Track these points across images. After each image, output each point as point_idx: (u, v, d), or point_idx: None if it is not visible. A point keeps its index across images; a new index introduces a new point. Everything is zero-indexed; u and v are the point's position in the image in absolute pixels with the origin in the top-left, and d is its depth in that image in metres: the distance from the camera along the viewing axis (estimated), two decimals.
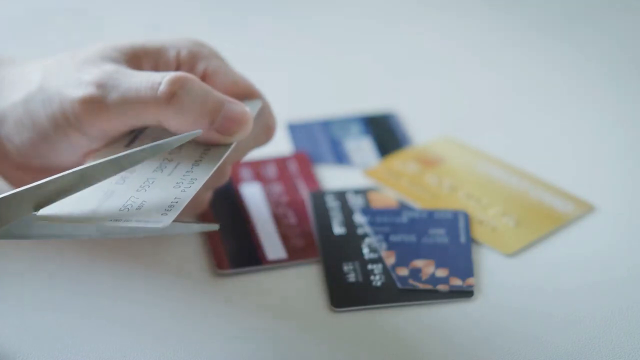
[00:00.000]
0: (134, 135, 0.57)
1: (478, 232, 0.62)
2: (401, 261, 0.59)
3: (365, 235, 0.61)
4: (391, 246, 0.60)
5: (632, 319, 0.55)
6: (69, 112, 0.55)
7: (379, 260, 0.59)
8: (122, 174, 0.53)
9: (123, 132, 0.56)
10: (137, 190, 0.52)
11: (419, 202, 0.64)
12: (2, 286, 0.58)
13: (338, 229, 0.62)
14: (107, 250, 0.60)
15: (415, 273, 0.58)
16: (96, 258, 0.59)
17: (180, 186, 0.52)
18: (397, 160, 0.69)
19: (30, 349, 0.53)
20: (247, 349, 0.54)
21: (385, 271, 0.58)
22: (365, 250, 0.60)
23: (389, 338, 0.54)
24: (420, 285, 0.57)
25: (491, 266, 0.59)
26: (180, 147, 0.55)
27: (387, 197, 0.65)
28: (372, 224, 0.62)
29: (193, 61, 0.57)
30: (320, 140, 0.71)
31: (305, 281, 0.58)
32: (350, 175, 0.68)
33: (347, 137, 0.72)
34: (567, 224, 0.63)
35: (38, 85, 0.56)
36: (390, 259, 0.59)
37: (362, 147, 0.71)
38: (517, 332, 0.55)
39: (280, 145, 0.69)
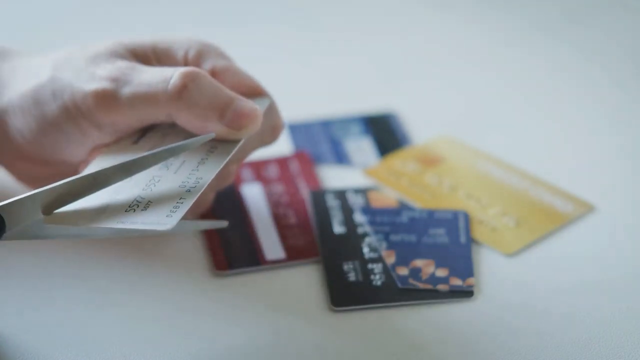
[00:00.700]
0: (142, 132, 0.57)
1: (478, 232, 0.62)
2: (401, 261, 0.59)
3: (365, 235, 0.61)
4: (391, 246, 0.60)
5: (632, 319, 0.55)
6: (80, 104, 0.56)
7: (379, 259, 0.59)
8: None
9: (134, 127, 0.57)
10: (143, 189, 0.52)
11: (419, 202, 0.64)
12: (2, 286, 0.57)
13: (338, 228, 0.61)
14: (105, 251, 0.60)
15: (416, 273, 0.58)
16: (94, 259, 0.59)
17: (186, 185, 0.52)
18: (397, 160, 0.69)
19: (31, 349, 0.53)
20: (247, 349, 0.54)
21: (386, 271, 0.58)
22: (366, 250, 0.60)
23: (389, 337, 0.54)
24: (420, 285, 0.57)
25: (491, 266, 0.59)
26: None
27: (387, 196, 0.65)
28: (372, 223, 0.62)
29: (201, 60, 0.57)
30: (320, 140, 0.71)
31: (305, 281, 0.58)
32: (350, 175, 0.68)
33: (347, 137, 0.72)
34: (567, 224, 0.63)
35: (48, 77, 0.57)
36: (390, 259, 0.59)
37: (362, 147, 0.71)
38: (517, 331, 0.55)
39: (280, 145, 0.69)
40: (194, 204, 0.52)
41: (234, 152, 0.54)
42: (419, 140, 0.71)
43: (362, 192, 0.65)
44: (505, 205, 0.64)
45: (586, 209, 0.64)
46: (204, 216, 0.62)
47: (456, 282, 0.58)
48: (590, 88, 0.78)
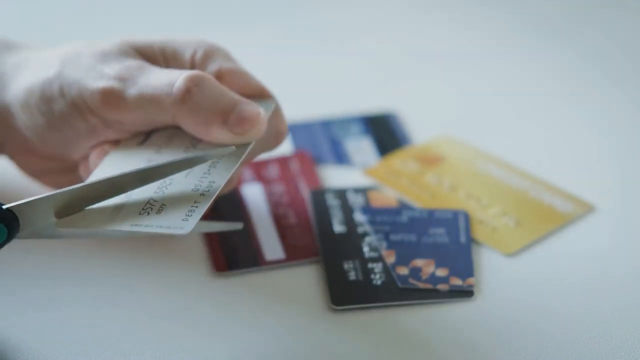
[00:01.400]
0: (146, 135, 0.57)
1: (478, 232, 0.62)
2: (401, 260, 0.59)
3: (365, 234, 0.61)
4: (391, 245, 0.60)
5: (632, 319, 0.55)
6: (88, 101, 0.56)
7: (379, 259, 0.59)
8: None
9: (140, 125, 0.57)
10: (155, 192, 0.52)
11: (419, 202, 0.64)
12: (1, 286, 0.57)
13: (338, 228, 0.61)
14: (104, 252, 0.60)
15: (416, 272, 0.58)
16: (94, 260, 0.59)
17: (199, 189, 0.52)
18: (397, 160, 0.69)
19: (30, 349, 0.53)
20: (247, 348, 0.54)
21: (386, 270, 0.58)
22: (366, 249, 0.60)
23: (389, 337, 0.54)
24: (421, 285, 0.57)
25: (491, 266, 0.59)
26: (195, 145, 0.56)
27: (387, 196, 0.65)
28: (372, 222, 0.62)
29: (207, 62, 0.58)
30: (320, 140, 0.71)
31: (305, 280, 0.58)
32: (350, 174, 0.68)
33: (347, 137, 0.72)
34: (567, 223, 0.63)
35: (56, 73, 0.57)
36: (390, 258, 0.59)
37: (362, 147, 0.71)
38: (517, 331, 0.55)
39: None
40: None
41: (245, 155, 0.54)
42: (419, 140, 0.71)
43: (362, 191, 0.65)
44: (505, 205, 0.64)
45: (586, 209, 0.64)
46: (205, 217, 0.62)
47: (456, 281, 0.58)
48: (590, 88, 0.78)
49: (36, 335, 0.54)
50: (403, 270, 0.58)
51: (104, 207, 0.52)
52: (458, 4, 0.91)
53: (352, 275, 0.58)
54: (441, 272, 0.58)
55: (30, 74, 0.58)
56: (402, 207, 0.64)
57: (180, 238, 0.61)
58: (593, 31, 0.85)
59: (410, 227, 0.61)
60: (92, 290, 0.57)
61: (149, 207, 0.51)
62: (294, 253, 0.60)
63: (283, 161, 0.68)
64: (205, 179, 0.53)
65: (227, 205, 0.64)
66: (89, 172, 0.57)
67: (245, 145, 0.55)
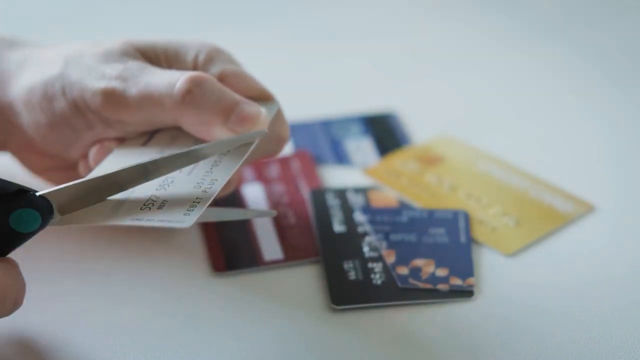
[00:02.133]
0: (150, 135, 0.57)
1: (478, 232, 0.62)
2: (401, 260, 0.59)
3: (365, 234, 0.61)
4: (391, 245, 0.60)
5: (632, 319, 0.55)
6: (89, 101, 0.56)
7: (379, 258, 0.59)
8: None
9: (141, 125, 0.57)
10: (157, 190, 0.52)
11: (419, 202, 0.64)
12: None
13: (338, 227, 0.62)
14: (103, 251, 0.60)
15: (416, 272, 0.58)
16: (92, 259, 0.59)
17: (201, 186, 0.52)
18: (397, 160, 0.69)
19: (30, 349, 0.53)
20: (247, 348, 0.54)
21: (386, 270, 0.58)
22: (366, 249, 0.60)
23: (389, 337, 0.54)
24: (421, 285, 0.57)
25: (491, 266, 0.59)
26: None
27: (387, 196, 0.65)
28: (372, 222, 0.62)
29: (210, 65, 0.58)
30: (320, 140, 0.71)
31: (305, 280, 0.58)
32: (350, 174, 0.68)
33: (347, 137, 0.72)
34: (567, 223, 0.63)
35: (58, 73, 0.57)
36: (390, 258, 0.59)
37: (362, 147, 0.71)
38: (517, 331, 0.55)
39: None
40: None
41: (248, 153, 0.54)
42: (419, 140, 0.71)
43: (362, 191, 0.65)
44: (505, 205, 0.64)
45: (586, 209, 0.64)
46: (204, 223, 0.62)
47: (456, 281, 0.58)
48: (590, 88, 0.78)
49: (35, 335, 0.54)
50: (403, 270, 0.58)
51: (105, 204, 0.52)
52: (458, 4, 0.91)
53: (352, 275, 0.58)
54: (441, 272, 0.58)
55: (33, 72, 0.58)
56: (402, 207, 0.64)
57: (180, 238, 0.61)
58: (593, 31, 0.85)
59: (410, 227, 0.61)
60: (90, 290, 0.57)
61: (150, 203, 0.51)
62: (293, 253, 0.60)
63: (284, 161, 0.68)
64: (207, 177, 0.53)
65: (228, 205, 0.64)
66: (88, 169, 0.57)
67: (248, 145, 0.55)
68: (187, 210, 0.50)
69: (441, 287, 0.57)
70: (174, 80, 0.55)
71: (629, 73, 0.80)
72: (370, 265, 0.59)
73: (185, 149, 0.52)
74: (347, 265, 0.58)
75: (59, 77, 0.57)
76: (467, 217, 0.62)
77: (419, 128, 0.73)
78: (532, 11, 0.89)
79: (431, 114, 0.75)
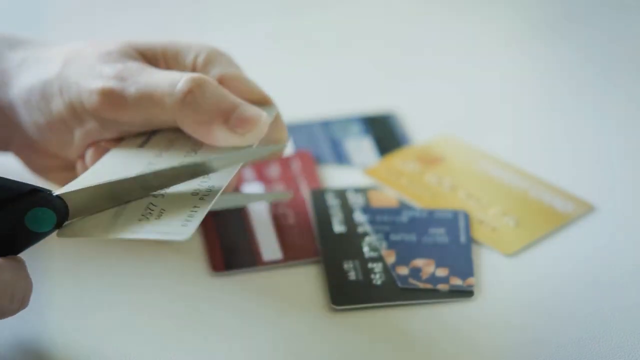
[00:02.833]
0: (147, 137, 0.57)
1: (478, 232, 0.62)
2: (401, 260, 0.59)
3: (365, 234, 0.61)
4: (391, 245, 0.60)
5: (632, 319, 0.55)
6: (86, 101, 0.56)
7: (379, 259, 0.59)
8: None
9: (138, 126, 0.57)
10: (154, 196, 0.52)
11: (419, 202, 0.64)
12: None
13: (338, 227, 0.61)
14: (100, 251, 0.60)
15: (416, 272, 0.58)
16: (91, 258, 0.59)
17: (198, 193, 0.52)
18: (397, 159, 0.69)
19: (29, 350, 0.53)
20: (247, 348, 0.54)
21: (386, 270, 0.58)
22: (366, 249, 0.60)
23: (389, 337, 0.54)
24: (421, 285, 0.57)
25: (491, 266, 0.59)
26: (196, 151, 0.55)
27: (387, 196, 0.65)
28: (372, 222, 0.62)
29: (209, 67, 0.58)
30: (320, 140, 0.71)
31: (305, 280, 0.58)
32: (350, 174, 0.68)
33: (347, 137, 0.72)
34: (567, 223, 0.63)
35: (57, 73, 0.57)
36: (390, 258, 0.59)
37: (362, 147, 0.71)
38: (517, 331, 0.55)
39: None
40: None
41: (245, 161, 0.54)
42: (419, 140, 0.71)
43: (362, 191, 0.65)
44: (505, 205, 0.64)
45: (586, 209, 0.64)
46: (205, 221, 0.62)
47: (456, 281, 0.57)
48: (590, 88, 0.78)
49: (35, 335, 0.54)
50: (403, 270, 0.58)
51: (102, 214, 0.52)
52: (459, 4, 0.91)
53: (352, 275, 0.58)
54: (441, 272, 0.58)
55: (33, 72, 0.58)
56: (402, 207, 0.64)
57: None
58: (593, 31, 0.85)
59: (410, 227, 0.61)
60: (88, 290, 0.57)
61: (148, 212, 0.51)
62: (292, 253, 0.60)
63: (284, 161, 0.68)
64: (205, 183, 0.53)
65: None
66: (85, 170, 0.57)
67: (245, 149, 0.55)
68: (185, 220, 0.50)
69: (441, 287, 0.57)
70: (175, 80, 0.55)
71: (629, 73, 0.80)
72: (370, 265, 0.59)
73: (200, 160, 0.52)
74: (347, 265, 0.58)
75: (57, 77, 0.57)
76: (467, 217, 0.62)
77: (419, 128, 0.73)
78: (532, 11, 0.89)
79: (431, 114, 0.75)
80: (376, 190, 0.65)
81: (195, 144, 0.56)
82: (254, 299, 0.57)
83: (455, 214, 0.62)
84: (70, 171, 0.60)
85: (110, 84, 0.56)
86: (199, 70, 0.58)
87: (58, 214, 0.51)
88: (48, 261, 0.59)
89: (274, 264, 0.59)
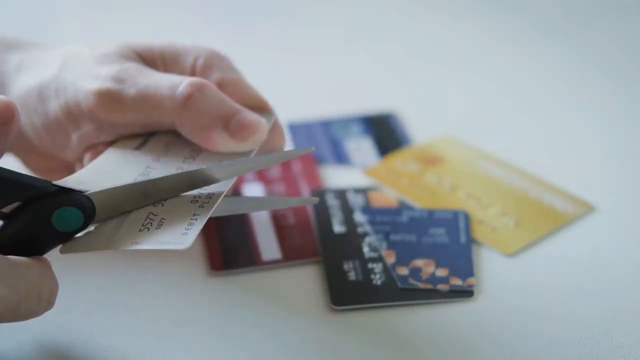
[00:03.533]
0: (144, 139, 0.57)
1: (478, 232, 0.62)
2: (401, 260, 0.59)
3: (365, 234, 0.61)
4: (391, 245, 0.60)
5: (632, 319, 0.55)
6: (82, 103, 0.56)
7: (379, 259, 0.59)
8: None
9: (136, 128, 0.57)
10: (154, 205, 0.52)
11: (419, 202, 0.64)
12: None
13: (338, 228, 0.62)
14: (99, 252, 0.60)
15: (416, 272, 0.58)
16: (90, 259, 0.59)
17: (198, 200, 0.52)
18: (397, 160, 0.69)
19: (29, 350, 0.53)
20: (247, 348, 0.54)
21: (386, 270, 0.58)
22: (366, 249, 0.60)
23: (389, 337, 0.54)
24: (421, 285, 0.57)
25: (491, 266, 0.59)
26: (194, 157, 0.55)
27: (387, 196, 0.65)
28: (372, 223, 0.62)
29: (209, 71, 0.58)
30: (321, 140, 0.71)
31: (305, 280, 0.58)
32: (350, 174, 0.68)
33: (347, 137, 0.72)
34: (567, 223, 0.63)
35: (53, 75, 0.57)
36: (390, 258, 0.59)
37: (362, 147, 0.71)
38: (517, 331, 0.55)
39: None
40: None
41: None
42: (419, 140, 0.71)
43: (362, 191, 0.65)
44: (505, 205, 0.64)
45: (586, 209, 0.64)
46: (206, 227, 0.62)
47: (456, 282, 0.58)
48: (590, 88, 0.78)
49: (34, 335, 0.54)
50: (403, 271, 0.58)
51: (103, 227, 0.51)
52: (459, 4, 0.91)
53: (352, 276, 0.58)
54: (441, 272, 0.58)
55: (30, 74, 0.58)
56: (402, 207, 0.64)
57: None
58: (593, 31, 0.86)
59: (410, 227, 0.61)
60: (87, 289, 0.57)
61: (148, 223, 0.51)
62: (291, 253, 0.60)
63: (285, 162, 0.68)
64: (204, 190, 0.53)
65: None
66: None
67: (247, 154, 0.55)
68: (185, 228, 0.50)
69: (441, 287, 0.57)
70: (175, 84, 0.55)
71: (630, 73, 0.80)
72: (370, 265, 0.59)
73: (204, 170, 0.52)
74: (347, 265, 0.59)
75: (54, 78, 0.57)
76: (467, 217, 0.62)
77: (419, 128, 0.73)
78: (532, 11, 0.89)
79: (431, 114, 0.75)
80: (376, 191, 0.66)
81: (193, 149, 0.56)
82: (254, 299, 0.57)
83: (455, 214, 0.63)
84: (70, 172, 0.60)
85: (107, 84, 0.55)
86: (198, 74, 0.58)
87: (85, 213, 0.51)
88: None
89: (273, 263, 0.59)
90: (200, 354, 0.53)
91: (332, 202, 0.64)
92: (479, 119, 0.74)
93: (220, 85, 0.57)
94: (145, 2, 0.92)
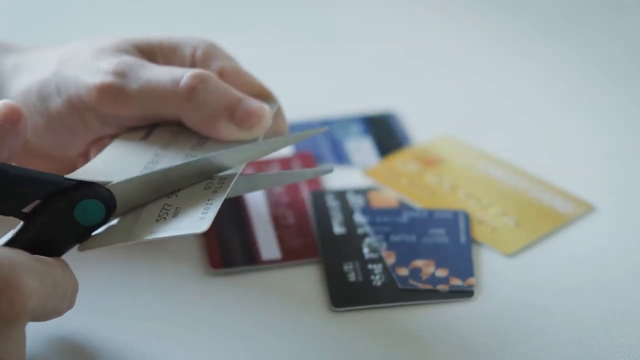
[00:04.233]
0: (149, 130, 0.57)
1: (478, 232, 0.62)
2: (401, 261, 0.59)
3: (365, 235, 0.61)
4: (391, 246, 0.60)
5: (632, 319, 0.55)
6: (84, 97, 0.56)
7: (379, 260, 0.59)
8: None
9: (139, 120, 0.57)
10: (168, 197, 0.52)
11: (419, 202, 0.64)
12: None
13: (338, 229, 0.62)
14: (98, 251, 0.60)
15: (416, 273, 0.58)
16: (89, 259, 0.59)
17: (210, 186, 0.52)
18: (397, 160, 0.69)
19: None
20: (246, 349, 0.54)
21: (386, 271, 0.58)
22: (366, 250, 0.60)
23: (389, 338, 0.54)
24: (421, 285, 0.57)
25: (491, 266, 0.59)
26: (202, 145, 0.56)
27: (387, 196, 0.65)
28: (372, 223, 0.62)
29: (208, 61, 0.58)
30: (320, 140, 0.71)
31: (304, 281, 0.58)
32: (350, 175, 0.68)
33: (347, 137, 0.72)
34: (567, 224, 0.63)
35: (53, 72, 0.57)
36: (390, 259, 0.59)
37: (362, 147, 0.71)
38: (517, 332, 0.55)
39: None
40: None
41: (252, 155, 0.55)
42: (419, 140, 0.71)
43: (362, 192, 0.65)
44: (505, 205, 0.64)
45: (586, 209, 0.64)
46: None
47: (456, 282, 0.58)
48: (590, 88, 0.78)
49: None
50: (403, 271, 0.58)
51: (120, 223, 0.52)
52: (459, 4, 0.91)
53: (352, 277, 0.58)
54: (441, 273, 0.58)
55: (28, 75, 0.58)
56: (402, 207, 0.64)
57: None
58: (593, 31, 0.85)
59: (410, 228, 0.61)
60: (86, 289, 0.57)
61: (164, 213, 0.51)
62: (291, 254, 0.60)
63: (285, 162, 0.68)
64: (216, 177, 0.53)
65: (227, 203, 0.63)
66: None
67: (253, 141, 0.55)
68: (202, 213, 0.50)
69: (441, 287, 0.57)
70: (177, 77, 0.55)
71: (630, 73, 0.80)
72: (370, 266, 0.59)
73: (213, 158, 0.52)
74: (347, 266, 0.58)
75: (54, 76, 0.57)
76: (467, 218, 0.62)
77: (420, 128, 0.73)
78: (532, 11, 0.89)
79: (431, 114, 0.75)
80: (376, 191, 0.65)
81: (200, 137, 0.56)
82: (254, 300, 0.57)
83: (455, 214, 0.63)
84: (68, 173, 0.60)
85: (109, 79, 0.56)
86: (198, 65, 0.58)
87: (107, 205, 0.51)
88: None
89: (272, 263, 0.59)
90: (199, 353, 0.53)
91: (332, 203, 0.64)
92: (479, 119, 0.74)
93: (221, 74, 0.57)
94: (145, 3, 0.92)
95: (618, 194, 0.66)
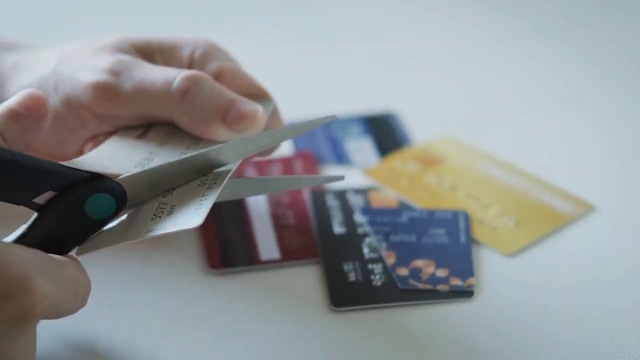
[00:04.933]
0: (146, 128, 0.57)
1: (478, 232, 0.62)
2: (401, 261, 0.59)
3: (365, 235, 0.61)
4: (391, 246, 0.60)
5: (632, 319, 0.55)
6: (81, 96, 0.56)
7: (379, 260, 0.59)
8: None
9: (134, 119, 0.57)
10: (163, 196, 0.52)
11: (419, 202, 0.64)
12: None
13: (338, 229, 0.62)
14: (98, 251, 0.60)
15: (416, 273, 0.58)
16: (88, 258, 0.59)
17: (205, 183, 0.52)
18: (397, 160, 0.69)
19: None
20: (246, 348, 0.54)
21: (386, 271, 0.58)
22: (366, 250, 0.60)
23: (389, 338, 0.54)
24: (421, 285, 0.57)
25: (491, 266, 0.59)
26: (197, 144, 0.56)
27: (387, 196, 0.65)
28: (372, 223, 0.62)
29: (206, 61, 0.58)
30: (321, 140, 0.71)
31: (304, 281, 0.58)
32: (350, 175, 0.68)
33: (347, 137, 0.72)
34: (567, 224, 0.63)
35: (51, 70, 0.57)
36: (390, 259, 0.59)
37: (362, 147, 0.71)
38: (517, 332, 0.55)
39: (282, 145, 0.69)
40: None
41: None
42: (419, 140, 0.71)
43: (362, 192, 0.65)
44: (505, 205, 0.64)
45: (586, 209, 0.64)
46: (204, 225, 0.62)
47: (456, 282, 0.58)
48: (590, 88, 0.78)
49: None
50: (403, 271, 0.58)
51: (116, 224, 0.52)
52: (459, 4, 0.91)
53: (352, 277, 0.58)
54: (441, 273, 0.58)
55: (28, 73, 0.58)
56: (402, 207, 0.64)
57: (178, 235, 0.61)
58: (593, 31, 0.85)
59: (410, 228, 0.61)
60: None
61: (159, 212, 0.51)
62: (290, 254, 0.60)
63: (286, 162, 0.68)
64: (210, 174, 0.53)
65: (227, 203, 0.63)
66: None
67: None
68: (196, 208, 0.50)
69: (441, 287, 0.57)
70: (170, 77, 0.55)
71: (629, 73, 0.80)
72: (370, 266, 0.59)
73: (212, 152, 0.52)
74: (347, 266, 0.58)
75: (52, 73, 0.57)
76: (467, 218, 0.62)
77: (419, 128, 0.73)
78: (532, 11, 0.89)
79: (431, 114, 0.75)
80: (376, 191, 0.65)
81: (196, 137, 0.56)
82: (253, 300, 0.57)
83: (455, 214, 0.63)
84: None
85: (104, 77, 0.56)
86: (196, 65, 0.58)
87: (117, 199, 0.51)
88: None
89: (271, 263, 0.59)
90: (199, 353, 0.53)
91: (332, 202, 0.64)
92: (479, 119, 0.74)
93: (219, 74, 0.57)
94: (145, 3, 0.92)
95: (618, 194, 0.66)
